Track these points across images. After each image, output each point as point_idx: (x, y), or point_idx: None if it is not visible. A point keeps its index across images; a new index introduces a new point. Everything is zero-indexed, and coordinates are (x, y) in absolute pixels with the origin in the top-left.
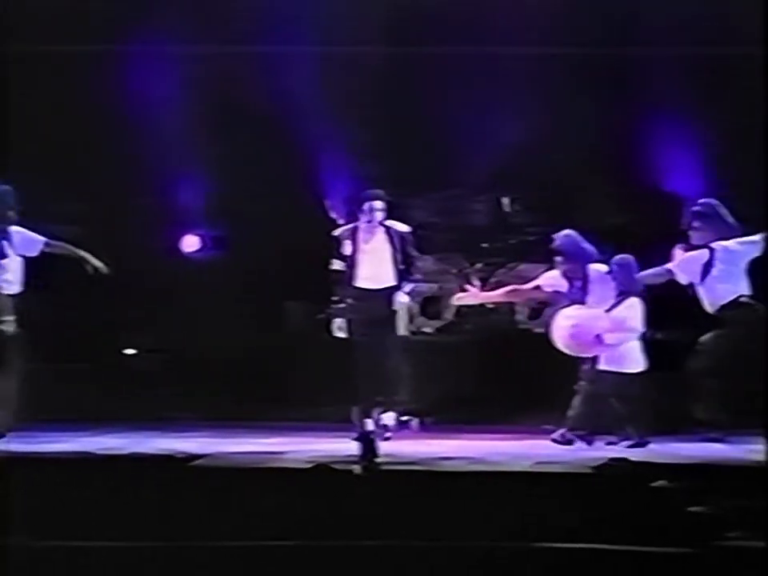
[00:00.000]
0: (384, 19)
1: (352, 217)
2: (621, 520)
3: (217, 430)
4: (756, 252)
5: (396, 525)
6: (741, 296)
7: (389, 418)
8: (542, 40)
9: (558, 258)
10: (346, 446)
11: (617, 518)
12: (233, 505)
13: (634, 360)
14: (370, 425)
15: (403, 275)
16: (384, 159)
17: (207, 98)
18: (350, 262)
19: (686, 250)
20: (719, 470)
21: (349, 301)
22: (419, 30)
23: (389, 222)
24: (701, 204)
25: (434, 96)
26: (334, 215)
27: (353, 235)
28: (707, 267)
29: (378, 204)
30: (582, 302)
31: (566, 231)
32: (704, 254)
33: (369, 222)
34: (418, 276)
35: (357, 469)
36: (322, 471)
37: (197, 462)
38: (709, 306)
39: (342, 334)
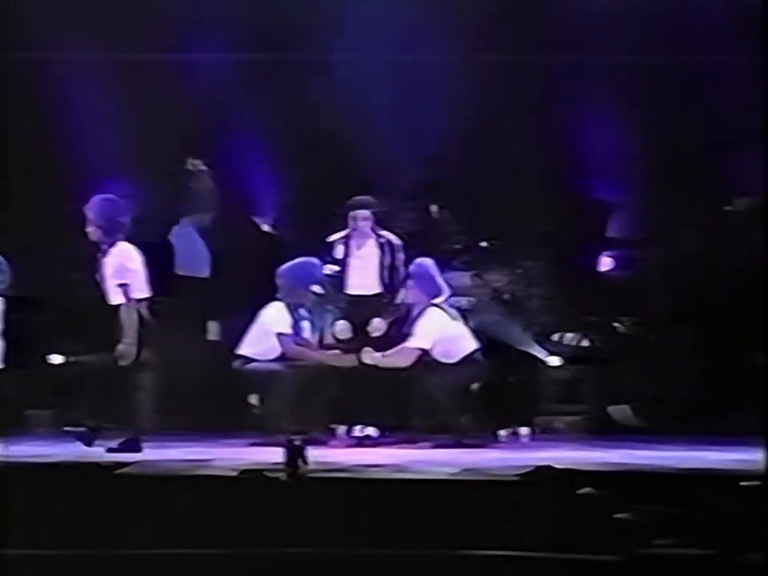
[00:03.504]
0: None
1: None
2: (546, 527)
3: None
4: None
5: (323, 532)
6: None
7: (372, 430)
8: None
9: None
10: (274, 455)
11: (542, 526)
12: (160, 512)
13: None
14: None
15: (389, 285)
16: (313, 167)
17: (131, 107)
18: (342, 268)
19: (613, 258)
20: (646, 477)
21: (341, 306)
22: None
23: (381, 231)
24: (414, 264)
25: (358, 102)
26: (263, 223)
27: (346, 242)
28: None
29: (364, 212)
30: None
31: None
32: None
33: (355, 230)
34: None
35: (283, 477)
36: (250, 478)
37: (124, 469)
38: None
39: (344, 336)
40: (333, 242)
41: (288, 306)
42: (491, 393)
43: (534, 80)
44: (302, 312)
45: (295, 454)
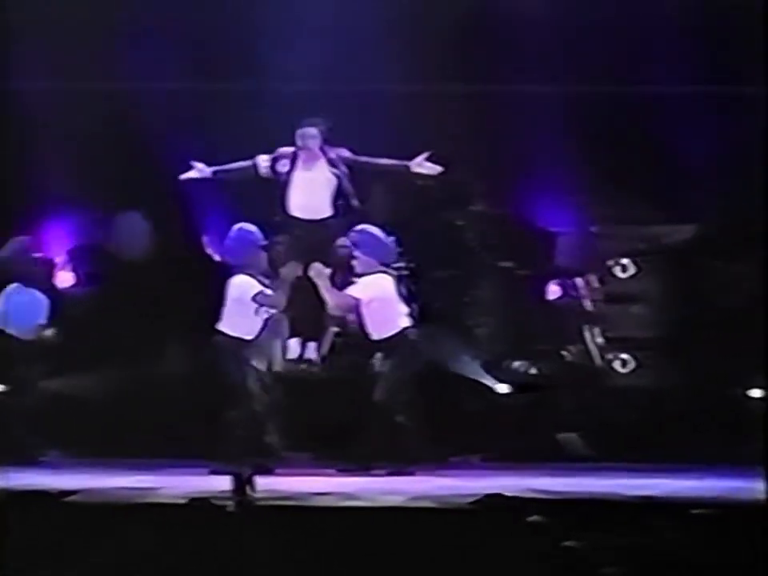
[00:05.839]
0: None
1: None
2: (496, 555)
3: (89, 467)
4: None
5: (271, 561)
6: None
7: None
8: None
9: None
10: (221, 483)
11: (492, 553)
12: (107, 541)
13: None
14: None
15: (342, 208)
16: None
17: (80, 130)
18: (284, 184)
19: (560, 286)
20: (595, 505)
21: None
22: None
23: (330, 149)
24: (355, 232)
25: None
26: (210, 251)
27: (292, 158)
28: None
29: (311, 130)
30: None
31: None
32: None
33: (302, 148)
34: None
35: (230, 505)
36: (197, 507)
37: (71, 497)
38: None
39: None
40: (277, 156)
41: (249, 275)
42: (441, 420)
43: (493, 110)
44: (262, 278)
45: (243, 482)
